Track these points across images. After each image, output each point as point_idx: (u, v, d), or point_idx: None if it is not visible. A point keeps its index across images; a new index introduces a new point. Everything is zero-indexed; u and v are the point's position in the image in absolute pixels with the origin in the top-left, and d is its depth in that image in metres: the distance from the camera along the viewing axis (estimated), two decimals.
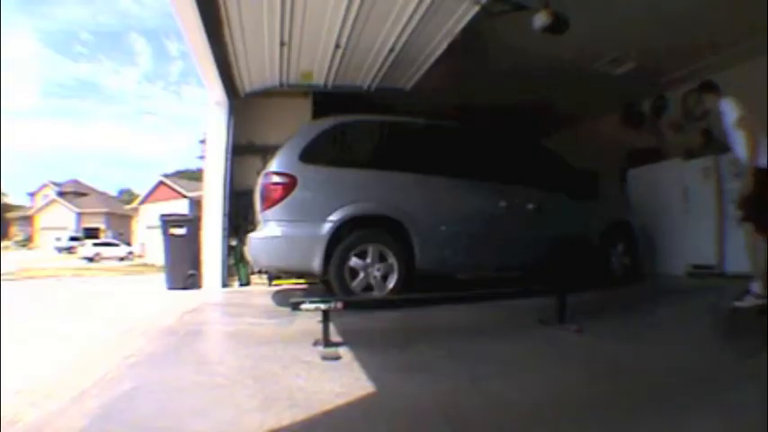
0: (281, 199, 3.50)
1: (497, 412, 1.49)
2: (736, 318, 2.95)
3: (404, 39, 4.50)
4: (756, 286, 2.95)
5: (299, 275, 5.01)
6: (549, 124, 7.61)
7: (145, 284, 6.61)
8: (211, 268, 5.32)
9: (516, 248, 4.13)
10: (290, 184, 3.51)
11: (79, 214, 36.39)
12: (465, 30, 4.25)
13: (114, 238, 29.92)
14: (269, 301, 4.15)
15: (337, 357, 2.06)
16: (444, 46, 4.61)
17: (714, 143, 5.37)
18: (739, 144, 2.94)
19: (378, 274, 3.56)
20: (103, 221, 35.99)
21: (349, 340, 2.32)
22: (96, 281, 8.13)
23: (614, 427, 1.38)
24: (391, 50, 4.76)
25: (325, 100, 5.74)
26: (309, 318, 2.61)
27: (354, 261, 3.53)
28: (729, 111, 2.96)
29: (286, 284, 5.30)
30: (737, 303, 2.98)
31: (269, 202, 3.53)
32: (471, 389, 1.69)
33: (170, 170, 40.73)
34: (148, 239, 21.62)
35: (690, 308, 3.48)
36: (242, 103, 5.76)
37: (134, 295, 5.41)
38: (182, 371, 1.97)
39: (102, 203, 38.78)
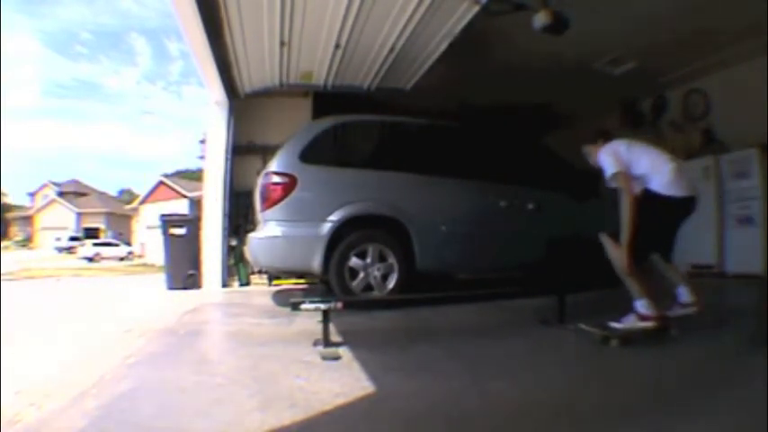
0: (281, 199, 3.50)
1: (497, 412, 1.48)
2: (735, 318, 2.95)
3: (404, 39, 4.49)
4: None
5: (299, 275, 5.01)
6: (549, 124, 7.60)
7: (145, 284, 6.61)
8: (211, 268, 5.32)
9: (516, 248, 4.12)
10: (290, 184, 3.51)
11: (79, 214, 36.35)
12: (465, 30, 4.24)
13: (114, 238, 29.89)
14: (269, 301, 4.14)
15: (337, 357, 2.06)
16: (444, 46, 4.60)
17: (714, 143, 5.38)
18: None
19: (378, 274, 3.56)
20: (103, 221, 35.94)
21: (349, 340, 2.32)
22: (96, 281, 8.13)
23: (614, 427, 1.38)
24: (391, 50, 4.76)
25: (326, 100, 5.74)
26: (309, 318, 2.60)
27: (354, 261, 3.53)
28: (606, 167, 2.68)
29: (286, 284, 5.30)
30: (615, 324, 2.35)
31: (269, 202, 3.53)
32: (471, 389, 1.69)
33: (170, 170, 40.74)
34: (148, 239, 21.61)
35: None
36: (242, 103, 5.76)
37: (134, 295, 5.41)
38: (182, 371, 1.97)
39: (102, 203, 38.73)
